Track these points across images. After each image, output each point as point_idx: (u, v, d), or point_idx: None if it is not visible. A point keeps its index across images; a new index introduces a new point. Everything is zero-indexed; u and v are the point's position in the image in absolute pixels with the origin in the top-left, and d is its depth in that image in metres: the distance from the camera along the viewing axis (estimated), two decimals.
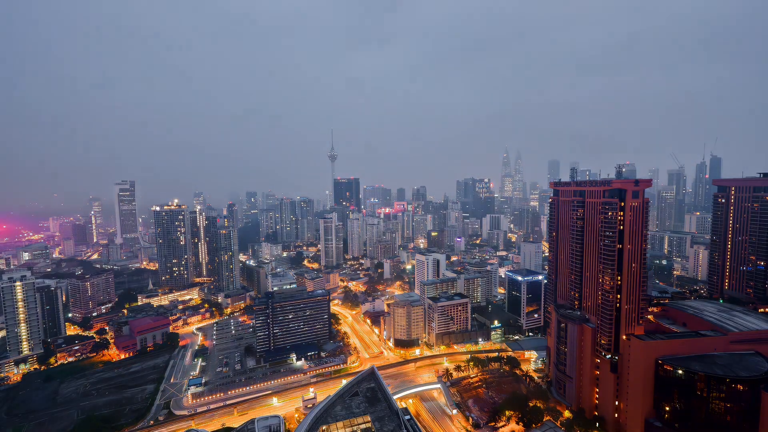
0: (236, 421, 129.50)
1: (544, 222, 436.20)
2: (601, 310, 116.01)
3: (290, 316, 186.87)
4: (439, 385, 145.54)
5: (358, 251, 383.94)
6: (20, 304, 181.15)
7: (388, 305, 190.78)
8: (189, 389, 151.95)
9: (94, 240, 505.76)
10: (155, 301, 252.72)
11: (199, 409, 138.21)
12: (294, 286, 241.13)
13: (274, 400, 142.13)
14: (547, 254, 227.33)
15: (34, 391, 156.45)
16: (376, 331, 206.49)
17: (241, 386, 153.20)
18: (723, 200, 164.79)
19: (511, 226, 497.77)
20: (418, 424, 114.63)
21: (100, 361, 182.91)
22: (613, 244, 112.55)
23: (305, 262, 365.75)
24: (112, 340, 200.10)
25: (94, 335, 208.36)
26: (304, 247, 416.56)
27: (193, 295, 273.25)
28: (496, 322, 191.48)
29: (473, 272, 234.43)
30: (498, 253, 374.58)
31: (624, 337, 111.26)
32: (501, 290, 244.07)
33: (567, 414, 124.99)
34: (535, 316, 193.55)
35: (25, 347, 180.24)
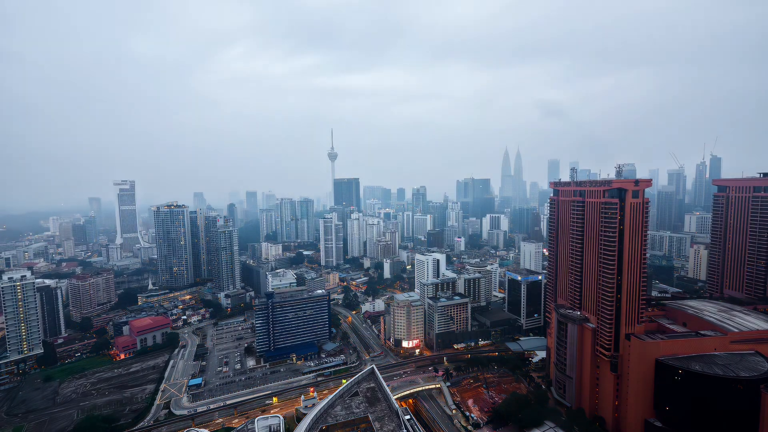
0: (236, 421, 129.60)
1: (544, 222, 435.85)
2: (601, 310, 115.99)
3: (290, 316, 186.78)
4: (439, 385, 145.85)
5: (358, 251, 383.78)
6: (20, 304, 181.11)
7: (388, 305, 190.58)
8: (189, 389, 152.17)
9: (94, 240, 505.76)
10: (155, 301, 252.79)
11: (199, 409, 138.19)
12: (294, 286, 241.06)
13: (274, 400, 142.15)
14: (547, 254, 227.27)
15: (34, 391, 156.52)
16: (376, 331, 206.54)
17: (241, 386, 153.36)
18: (723, 200, 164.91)
19: (511, 225, 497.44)
20: (418, 424, 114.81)
21: (100, 361, 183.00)
22: (613, 244, 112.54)
23: (305, 262, 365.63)
24: (112, 340, 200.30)
25: (94, 335, 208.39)
26: (304, 248, 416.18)
27: (194, 295, 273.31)
28: (496, 322, 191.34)
29: (473, 272, 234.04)
30: (498, 253, 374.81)
31: (624, 337, 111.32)
32: (501, 290, 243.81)
33: (567, 414, 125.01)
34: (535, 316, 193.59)
35: (25, 347, 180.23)
